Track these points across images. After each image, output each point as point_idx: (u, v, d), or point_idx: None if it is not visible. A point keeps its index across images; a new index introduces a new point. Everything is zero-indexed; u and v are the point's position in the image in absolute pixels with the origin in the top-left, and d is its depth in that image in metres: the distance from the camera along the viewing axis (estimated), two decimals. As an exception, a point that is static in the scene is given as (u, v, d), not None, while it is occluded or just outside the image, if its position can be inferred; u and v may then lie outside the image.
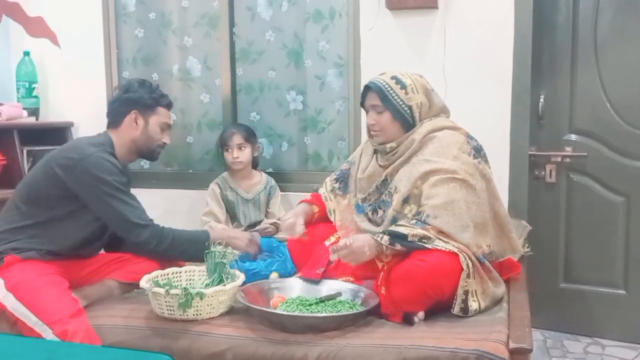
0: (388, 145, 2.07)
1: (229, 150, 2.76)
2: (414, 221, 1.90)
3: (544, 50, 2.75)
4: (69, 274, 2.00)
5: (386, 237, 1.86)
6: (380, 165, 2.13)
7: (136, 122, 2.13)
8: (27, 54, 3.20)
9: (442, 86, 2.54)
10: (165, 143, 2.21)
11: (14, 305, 1.84)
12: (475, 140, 2.07)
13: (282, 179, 2.98)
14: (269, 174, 2.95)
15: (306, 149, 3.09)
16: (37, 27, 3.26)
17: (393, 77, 2.05)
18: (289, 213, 2.22)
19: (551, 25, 2.74)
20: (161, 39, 3.24)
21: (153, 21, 3.23)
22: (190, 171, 3.27)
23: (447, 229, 1.85)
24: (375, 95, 2.05)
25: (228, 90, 3.11)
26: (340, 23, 2.94)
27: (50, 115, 3.32)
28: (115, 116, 2.15)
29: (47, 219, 2.00)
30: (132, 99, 2.13)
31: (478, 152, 2.04)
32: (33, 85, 3.20)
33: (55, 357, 1.31)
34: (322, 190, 2.34)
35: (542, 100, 2.77)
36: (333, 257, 1.92)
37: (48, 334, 1.76)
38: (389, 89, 2.03)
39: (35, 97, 3.22)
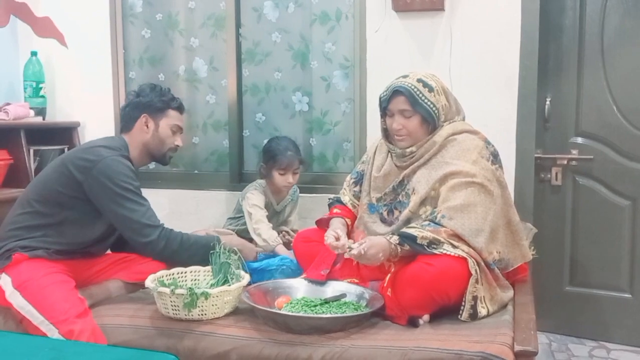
0: (408, 150, 2.04)
1: (285, 174, 2.61)
2: (426, 222, 1.88)
3: (551, 53, 2.74)
4: (75, 273, 2.01)
5: (395, 237, 1.86)
6: (396, 166, 2.10)
7: (147, 126, 2.16)
8: (34, 54, 3.21)
9: (448, 88, 2.54)
10: (177, 146, 2.23)
11: (20, 303, 1.84)
12: (493, 146, 2.05)
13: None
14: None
15: (312, 151, 3.09)
16: (44, 28, 3.29)
17: (419, 80, 2.00)
18: (329, 231, 2.04)
19: (558, 28, 2.74)
20: (168, 40, 3.25)
21: (160, 22, 3.24)
22: (196, 172, 3.28)
23: (462, 231, 1.84)
24: (405, 100, 1.99)
25: (234, 91, 3.12)
26: (347, 25, 2.94)
27: (57, 115, 3.33)
28: (127, 120, 2.18)
29: (62, 219, 2.01)
30: (142, 103, 2.17)
31: (495, 157, 2.03)
32: (40, 85, 3.22)
33: (61, 356, 1.31)
34: (345, 199, 2.27)
35: (548, 102, 2.76)
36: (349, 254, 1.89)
37: (54, 333, 1.77)
38: (418, 92, 1.98)
39: (42, 97, 3.23)
